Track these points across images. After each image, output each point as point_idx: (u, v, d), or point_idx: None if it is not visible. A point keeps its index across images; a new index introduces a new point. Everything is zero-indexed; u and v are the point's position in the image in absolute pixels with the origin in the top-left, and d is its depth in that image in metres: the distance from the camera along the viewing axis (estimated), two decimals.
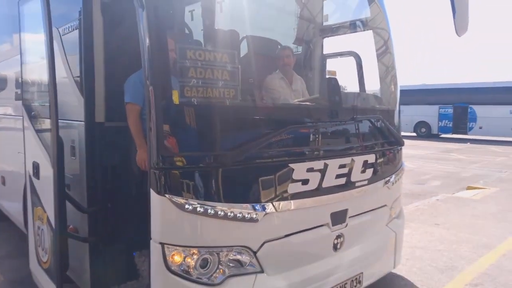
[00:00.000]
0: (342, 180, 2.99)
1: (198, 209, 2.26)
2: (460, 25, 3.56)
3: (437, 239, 5.35)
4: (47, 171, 2.87)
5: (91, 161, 2.91)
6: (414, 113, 23.41)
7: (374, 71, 3.89)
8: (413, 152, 15.80)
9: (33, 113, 3.32)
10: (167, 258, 2.29)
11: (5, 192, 4.88)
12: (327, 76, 3.15)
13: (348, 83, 4.31)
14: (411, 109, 23.23)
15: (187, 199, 2.24)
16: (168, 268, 2.29)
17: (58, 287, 2.81)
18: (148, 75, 2.22)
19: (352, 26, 4.25)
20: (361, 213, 3.24)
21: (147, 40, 2.21)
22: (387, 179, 3.46)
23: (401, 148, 3.75)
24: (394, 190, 3.62)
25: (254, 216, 2.44)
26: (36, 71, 3.30)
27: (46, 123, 2.95)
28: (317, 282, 2.86)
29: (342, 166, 2.97)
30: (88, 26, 2.79)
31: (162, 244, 2.28)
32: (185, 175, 2.28)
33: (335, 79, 3.07)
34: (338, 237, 3.01)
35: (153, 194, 2.26)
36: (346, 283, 3.07)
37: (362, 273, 3.21)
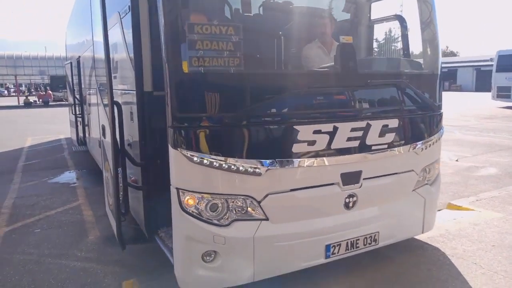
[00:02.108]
0: (355, 143, 3.15)
1: (205, 161, 2.70)
2: None
3: None
4: (108, 131, 3.57)
5: (142, 124, 3.50)
6: None
7: (412, 35, 3.84)
8: None
9: (100, 87, 4.05)
10: (182, 201, 2.79)
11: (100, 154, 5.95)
12: (341, 41, 3.22)
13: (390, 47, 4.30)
14: None
15: (195, 153, 2.69)
16: (183, 209, 2.80)
17: (117, 223, 3.52)
18: (164, 50, 2.69)
19: None
20: (379, 176, 3.36)
21: (162, 20, 2.66)
22: (413, 144, 3.49)
23: (435, 114, 3.69)
24: (424, 156, 3.62)
25: (257, 170, 2.80)
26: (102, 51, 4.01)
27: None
28: (326, 235, 3.13)
29: (354, 130, 3.12)
30: (135, 6, 3.28)
31: (178, 189, 2.79)
32: (193, 133, 2.72)
33: (350, 45, 3.19)
34: (350, 196, 3.20)
35: (170, 148, 2.77)
36: (358, 239, 3.28)
37: (378, 232, 3.37)
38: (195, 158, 2.70)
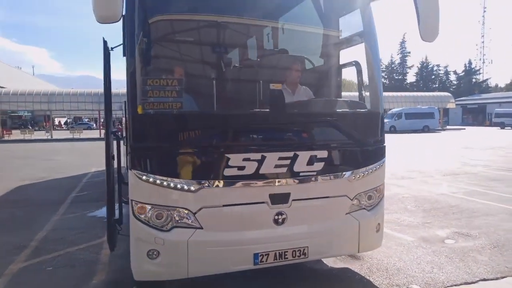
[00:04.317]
0: (283, 170, 3.81)
1: (150, 180, 3.56)
2: (426, 31, 3.92)
3: None
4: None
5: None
6: None
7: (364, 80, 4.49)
8: None
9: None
10: (135, 210, 3.65)
11: None
12: (270, 88, 3.96)
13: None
14: None
15: (143, 173, 3.57)
16: (135, 216, 3.65)
17: (108, 228, 4.41)
18: (127, 97, 3.66)
19: (349, 41, 4.85)
20: (310, 198, 3.95)
21: (128, 77, 3.63)
22: (343, 174, 4.05)
23: (370, 148, 4.22)
24: (358, 184, 4.14)
25: (191, 188, 3.59)
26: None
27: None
28: (255, 245, 3.78)
29: (282, 158, 3.80)
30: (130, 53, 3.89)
31: (132, 200, 3.66)
32: (142, 157, 3.59)
33: (279, 90, 3.92)
34: (279, 214, 3.83)
35: (128, 169, 3.67)
36: (287, 251, 3.87)
37: (307, 247, 3.93)
38: (143, 177, 3.57)
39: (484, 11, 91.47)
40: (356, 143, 4.17)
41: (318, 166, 3.94)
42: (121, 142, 6.43)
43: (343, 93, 5.22)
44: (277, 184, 3.82)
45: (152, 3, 3.82)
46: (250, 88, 4.37)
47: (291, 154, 3.83)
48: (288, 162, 3.83)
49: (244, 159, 3.70)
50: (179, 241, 3.61)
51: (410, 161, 16.64)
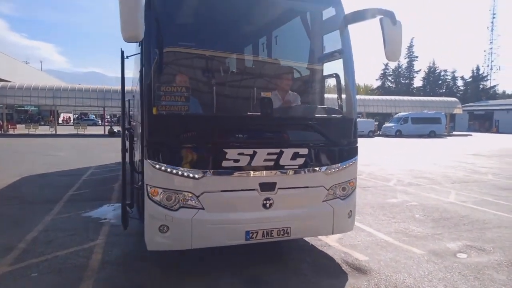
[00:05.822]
0: (271, 163, 4.65)
1: (163, 168, 4.40)
2: (391, 53, 4.77)
3: None
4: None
5: (141, 146, 5.30)
6: None
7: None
8: None
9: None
10: (149, 192, 4.49)
11: None
12: (261, 96, 4.81)
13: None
14: None
15: (156, 162, 4.41)
16: (149, 198, 4.49)
17: (122, 209, 5.27)
18: (143, 99, 4.50)
19: (331, 56, 5.69)
20: (292, 187, 4.80)
21: (143, 84, 4.48)
22: (321, 167, 4.90)
23: (342, 147, 5.07)
24: (333, 177, 4.99)
25: (196, 176, 4.44)
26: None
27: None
28: (246, 224, 4.62)
29: (270, 154, 4.64)
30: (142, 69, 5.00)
31: (147, 184, 4.51)
32: (156, 150, 4.43)
33: (268, 97, 4.77)
34: (267, 199, 4.68)
35: (144, 159, 4.52)
36: (273, 230, 4.71)
37: (290, 227, 4.78)
38: (156, 166, 4.41)
39: (493, 17, 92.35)
40: (332, 143, 5.01)
41: (300, 161, 4.78)
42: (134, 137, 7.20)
43: (326, 95, 6.07)
44: (265, 174, 4.67)
45: (166, 28, 4.67)
46: (245, 95, 5.22)
47: (277, 150, 4.68)
48: (275, 157, 4.67)
49: (239, 154, 4.54)
50: (185, 219, 4.46)
51: (417, 167, 16.47)
